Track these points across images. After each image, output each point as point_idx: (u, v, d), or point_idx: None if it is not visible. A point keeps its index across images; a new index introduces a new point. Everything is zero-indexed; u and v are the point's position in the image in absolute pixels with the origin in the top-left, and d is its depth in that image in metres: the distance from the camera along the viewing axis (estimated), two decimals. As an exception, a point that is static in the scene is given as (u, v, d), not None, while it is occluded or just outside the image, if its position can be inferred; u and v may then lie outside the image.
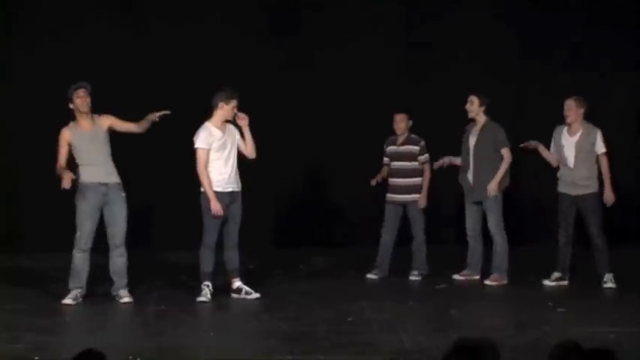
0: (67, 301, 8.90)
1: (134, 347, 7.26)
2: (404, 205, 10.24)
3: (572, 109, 9.64)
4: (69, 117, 9.14)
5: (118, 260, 9.00)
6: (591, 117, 9.86)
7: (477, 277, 10.07)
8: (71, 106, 9.03)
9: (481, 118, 10.03)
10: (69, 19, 11.74)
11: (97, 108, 9.11)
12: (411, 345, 7.36)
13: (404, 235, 10.33)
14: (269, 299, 9.15)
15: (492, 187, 9.86)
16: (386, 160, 10.37)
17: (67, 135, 9.03)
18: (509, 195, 10.26)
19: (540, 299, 9.17)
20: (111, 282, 9.07)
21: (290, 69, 12.05)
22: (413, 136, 10.28)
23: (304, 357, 7.04)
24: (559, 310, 8.69)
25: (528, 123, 11.71)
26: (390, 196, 10.28)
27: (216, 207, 8.93)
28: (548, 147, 9.87)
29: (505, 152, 9.94)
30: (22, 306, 8.77)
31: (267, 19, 12.07)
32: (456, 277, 10.14)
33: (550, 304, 8.88)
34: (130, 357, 6.88)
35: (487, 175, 9.94)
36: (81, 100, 8.96)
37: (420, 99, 11.53)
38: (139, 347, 7.29)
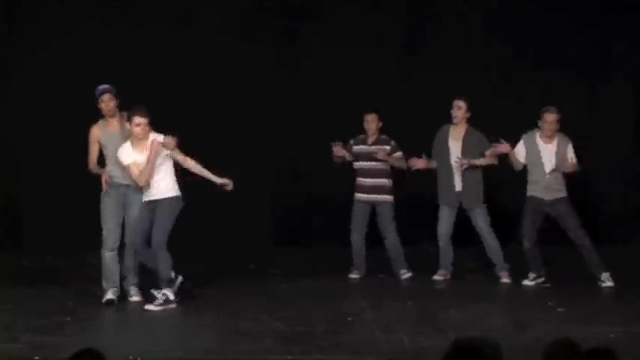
0: (109, 296, 8.93)
1: (134, 347, 7.26)
2: (372, 205, 10.24)
3: (556, 121, 9.69)
4: (69, 116, 9.15)
5: (132, 260, 9.03)
6: (590, 119, 9.90)
7: (449, 276, 10.12)
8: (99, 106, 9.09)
9: (464, 124, 10.05)
10: (69, 19, 11.74)
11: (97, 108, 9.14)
12: (410, 345, 7.36)
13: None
14: (268, 299, 9.15)
15: (466, 161, 9.85)
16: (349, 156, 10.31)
17: (96, 133, 9.09)
18: (511, 194, 10.28)
19: (540, 299, 9.18)
20: (122, 278, 9.11)
21: (287, 70, 12.06)
22: (383, 136, 10.27)
23: (303, 357, 7.04)
24: (559, 309, 8.69)
25: (526, 124, 11.70)
26: (358, 195, 10.26)
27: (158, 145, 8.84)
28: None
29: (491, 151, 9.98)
30: (23, 306, 8.77)
31: (265, 19, 12.06)
32: (437, 277, 10.15)
33: (550, 303, 8.88)
34: (131, 357, 6.88)
35: (474, 181, 9.97)
36: (105, 104, 9.04)
37: (416, 100, 11.54)
38: (139, 347, 7.29)
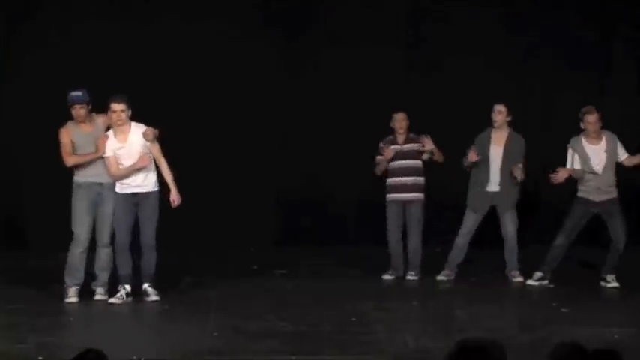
0: (72, 299, 8.98)
1: (136, 347, 7.26)
2: (404, 204, 10.23)
3: (597, 121, 9.58)
4: (71, 117, 9.17)
5: (104, 259, 9.10)
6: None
7: (453, 277, 10.13)
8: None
9: (506, 129, 10.01)
10: (69, 21, 11.77)
11: (97, 108, 9.13)
12: (414, 345, 7.35)
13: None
14: (272, 299, 9.15)
15: (519, 171, 9.83)
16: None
17: (67, 132, 9.13)
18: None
19: (544, 299, 9.17)
20: (93, 276, 9.19)
21: (290, 69, 12.07)
22: (412, 134, 10.28)
23: (307, 357, 7.03)
24: (563, 310, 8.68)
25: (530, 122, 11.72)
26: (391, 195, 10.25)
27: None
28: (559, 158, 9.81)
29: (522, 164, 9.95)
30: (25, 306, 8.77)
31: (268, 20, 12.07)
32: (441, 277, 10.14)
33: (554, 304, 8.87)
34: (134, 357, 6.87)
35: (511, 186, 9.96)
36: (75, 112, 9.05)
37: (420, 99, 11.54)
38: (141, 347, 7.29)
